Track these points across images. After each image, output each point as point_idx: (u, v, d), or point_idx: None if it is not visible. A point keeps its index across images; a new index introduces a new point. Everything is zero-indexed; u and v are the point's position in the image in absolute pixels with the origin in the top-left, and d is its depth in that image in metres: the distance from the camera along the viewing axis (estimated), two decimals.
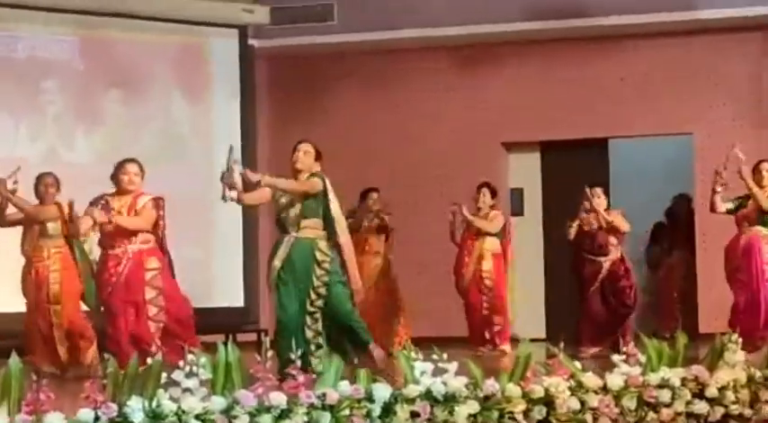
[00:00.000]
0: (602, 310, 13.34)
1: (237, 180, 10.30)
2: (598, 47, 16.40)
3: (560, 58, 16.58)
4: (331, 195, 10.70)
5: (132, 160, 11.68)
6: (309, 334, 10.46)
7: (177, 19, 16.29)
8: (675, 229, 16.97)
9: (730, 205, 12.95)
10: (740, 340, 9.08)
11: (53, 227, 11.83)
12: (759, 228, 12.86)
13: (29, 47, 15.61)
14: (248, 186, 10.58)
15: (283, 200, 10.60)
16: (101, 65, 15.91)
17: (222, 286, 15.79)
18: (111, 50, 15.96)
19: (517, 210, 16.32)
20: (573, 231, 13.47)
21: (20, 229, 11.93)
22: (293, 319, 10.44)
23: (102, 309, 11.62)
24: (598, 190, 13.57)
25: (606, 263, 13.43)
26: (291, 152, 10.67)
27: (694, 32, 16.11)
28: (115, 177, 11.57)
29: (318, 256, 10.54)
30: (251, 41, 16.91)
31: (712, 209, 12.97)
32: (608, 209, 13.57)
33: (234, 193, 10.32)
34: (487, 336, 14.06)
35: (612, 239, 13.47)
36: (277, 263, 10.54)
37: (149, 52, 16.21)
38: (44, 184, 11.96)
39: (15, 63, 15.48)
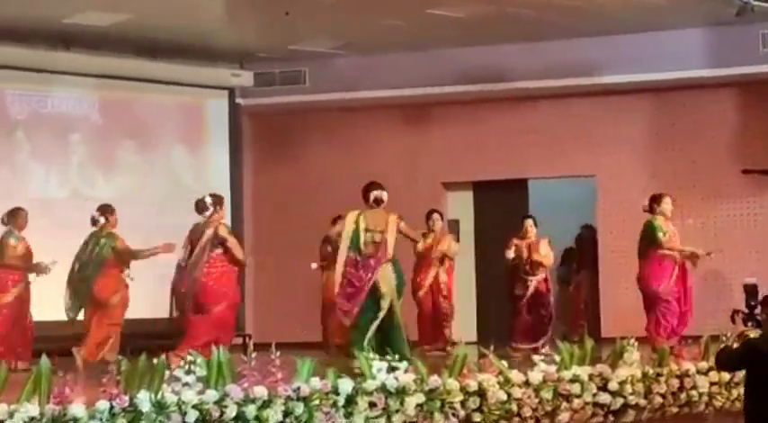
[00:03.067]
0: (528, 318, 13.25)
1: None
2: (520, 105, 16.36)
3: (489, 114, 16.53)
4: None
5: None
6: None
7: (179, 82, 16.23)
8: (582, 253, 16.91)
9: None
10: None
11: None
12: None
13: (56, 105, 15.52)
14: None
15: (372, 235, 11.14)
16: (116, 120, 15.83)
17: None
18: (124, 108, 15.90)
19: (454, 237, 16.25)
20: (512, 252, 13.33)
21: None
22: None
23: None
24: (530, 221, 13.51)
25: (533, 282, 13.29)
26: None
27: (596, 94, 16.09)
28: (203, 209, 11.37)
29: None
30: (238, 100, 16.88)
31: None
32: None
33: None
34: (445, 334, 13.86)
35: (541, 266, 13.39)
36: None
37: (156, 109, 16.15)
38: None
39: (45, 119, 15.40)
